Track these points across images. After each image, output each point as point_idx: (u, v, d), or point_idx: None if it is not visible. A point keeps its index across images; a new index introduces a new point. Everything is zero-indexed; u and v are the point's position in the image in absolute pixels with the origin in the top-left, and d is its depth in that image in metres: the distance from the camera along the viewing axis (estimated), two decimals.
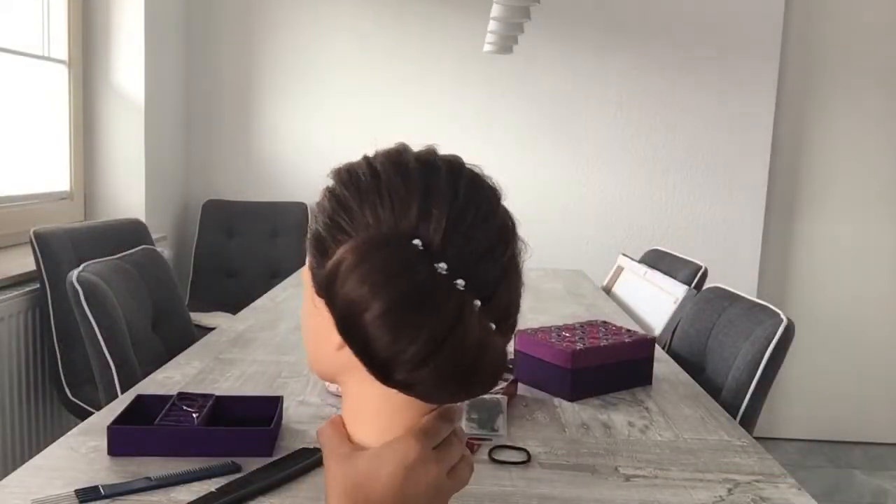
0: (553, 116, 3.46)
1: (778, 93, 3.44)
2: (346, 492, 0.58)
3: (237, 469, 1.12)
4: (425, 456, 0.58)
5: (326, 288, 0.54)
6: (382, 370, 0.54)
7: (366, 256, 0.53)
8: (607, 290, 2.83)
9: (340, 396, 0.72)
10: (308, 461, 1.13)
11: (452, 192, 0.56)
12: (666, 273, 2.56)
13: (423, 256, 0.53)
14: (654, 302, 2.47)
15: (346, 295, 0.53)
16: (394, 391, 0.56)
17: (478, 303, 0.54)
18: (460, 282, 0.53)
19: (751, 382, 1.67)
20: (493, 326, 0.56)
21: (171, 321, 2.09)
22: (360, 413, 0.61)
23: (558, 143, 3.47)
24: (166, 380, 1.53)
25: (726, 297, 1.99)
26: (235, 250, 3.41)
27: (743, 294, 1.96)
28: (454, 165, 0.59)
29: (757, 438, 1.37)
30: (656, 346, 1.77)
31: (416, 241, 0.54)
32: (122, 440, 1.15)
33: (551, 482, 1.13)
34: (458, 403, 0.62)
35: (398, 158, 0.59)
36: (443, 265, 0.53)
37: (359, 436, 0.61)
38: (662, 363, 1.79)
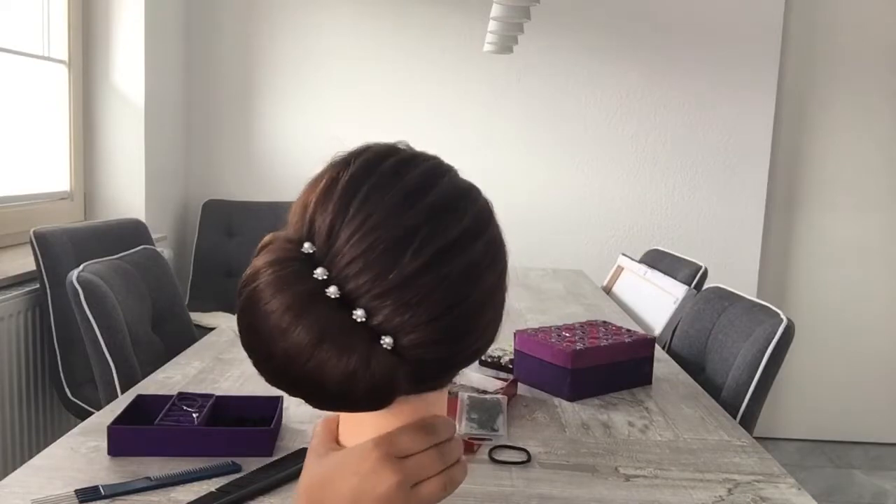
0: (553, 116, 3.46)
1: (778, 92, 3.44)
2: (306, 490, 0.58)
3: (237, 469, 1.12)
4: (381, 465, 0.55)
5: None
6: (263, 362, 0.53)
7: (268, 264, 0.52)
8: (607, 290, 2.83)
9: None
10: None
11: (351, 193, 0.54)
12: (666, 273, 2.56)
13: (306, 262, 0.52)
14: (654, 302, 2.47)
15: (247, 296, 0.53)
16: None
17: (359, 313, 0.50)
18: (332, 289, 0.51)
19: (751, 382, 1.67)
20: (389, 342, 0.51)
21: (171, 321, 2.09)
22: (348, 416, 0.61)
23: (558, 143, 3.47)
24: (166, 380, 1.53)
25: (726, 297, 1.99)
26: (235, 250, 3.41)
27: (743, 294, 1.96)
28: (374, 161, 0.56)
29: (757, 438, 1.37)
30: (656, 346, 1.77)
31: (306, 245, 0.53)
32: (122, 440, 1.15)
33: (551, 482, 1.13)
34: (445, 416, 0.61)
35: (333, 160, 0.58)
36: (320, 270, 0.51)
37: (344, 438, 0.61)
38: (662, 363, 1.79)
